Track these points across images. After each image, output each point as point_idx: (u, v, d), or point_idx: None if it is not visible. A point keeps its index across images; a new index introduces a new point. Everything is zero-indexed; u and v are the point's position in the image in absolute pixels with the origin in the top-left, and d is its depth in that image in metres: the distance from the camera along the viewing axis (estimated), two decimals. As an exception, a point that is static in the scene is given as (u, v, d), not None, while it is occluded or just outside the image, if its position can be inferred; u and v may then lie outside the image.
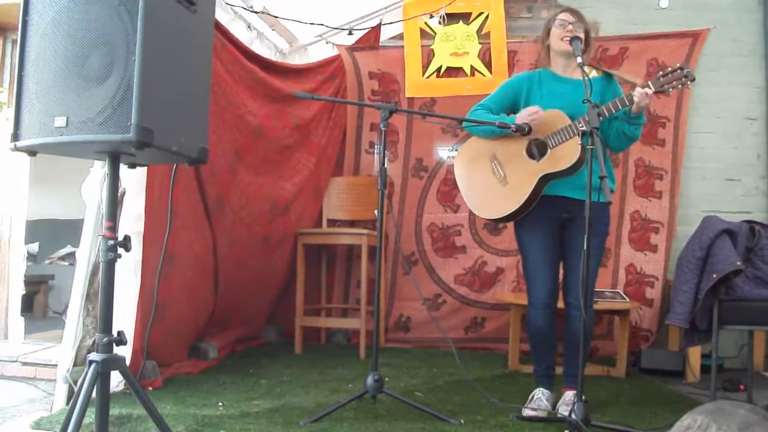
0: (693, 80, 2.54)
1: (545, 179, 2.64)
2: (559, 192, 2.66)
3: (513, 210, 2.70)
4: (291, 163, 4.18)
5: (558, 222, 2.71)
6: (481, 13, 4.45)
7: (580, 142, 2.50)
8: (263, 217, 3.90)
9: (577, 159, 2.55)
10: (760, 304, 3.10)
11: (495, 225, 4.41)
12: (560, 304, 2.78)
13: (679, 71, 2.52)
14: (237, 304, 3.89)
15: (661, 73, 2.55)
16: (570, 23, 2.66)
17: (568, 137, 2.58)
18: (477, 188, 2.85)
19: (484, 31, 4.46)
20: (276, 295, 4.31)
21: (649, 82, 2.53)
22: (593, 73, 2.72)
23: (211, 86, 1.98)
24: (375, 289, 2.76)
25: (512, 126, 2.62)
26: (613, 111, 2.53)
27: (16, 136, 1.72)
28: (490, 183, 2.78)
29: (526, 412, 2.63)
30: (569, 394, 2.69)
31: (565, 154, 2.58)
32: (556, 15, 2.75)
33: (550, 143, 2.63)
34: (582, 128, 2.49)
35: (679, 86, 2.52)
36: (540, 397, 2.72)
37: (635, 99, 2.50)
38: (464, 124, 2.88)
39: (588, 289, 2.45)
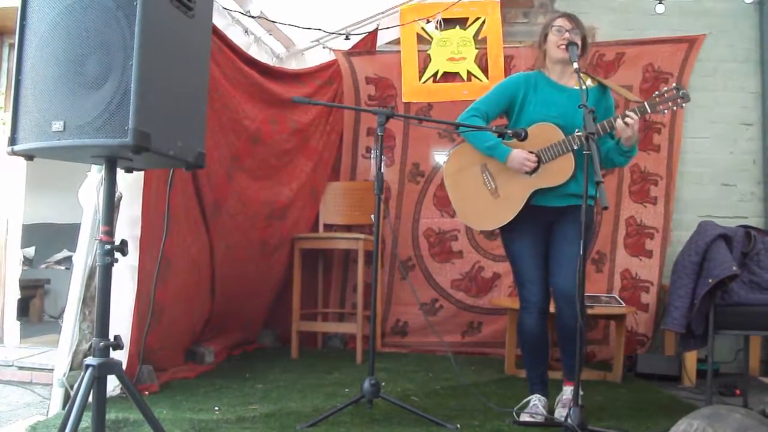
0: (688, 101, 2.57)
1: (536, 192, 2.67)
2: (543, 202, 2.68)
3: (505, 223, 2.73)
4: (290, 168, 4.18)
5: (543, 226, 2.74)
6: (478, 18, 4.47)
7: (574, 159, 2.56)
8: (260, 222, 3.90)
9: (571, 176, 2.61)
10: (755, 308, 3.10)
11: (491, 231, 4.42)
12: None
13: (674, 91, 2.55)
14: (233, 309, 3.88)
15: (656, 93, 2.58)
16: (567, 30, 2.64)
17: (561, 153, 2.60)
18: (468, 199, 2.84)
19: (480, 36, 4.47)
20: (272, 300, 4.30)
21: (645, 103, 2.55)
22: (588, 82, 2.72)
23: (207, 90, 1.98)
24: (372, 293, 2.77)
25: (509, 131, 2.63)
26: (602, 133, 2.56)
27: (13, 141, 1.72)
28: (481, 194, 2.78)
29: (524, 417, 2.63)
30: (567, 390, 2.71)
31: (559, 171, 2.62)
32: (553, 20, 2.72)
33: (543, 158, 2.65)
34: (575, 147, 2.56)
35: (674, 108, 2.56)
36: (536, 403, 2.71)
37: (617, 128, 2.53)
38: (460, 128, 2.87)
39: (580, 289, 2.44)
